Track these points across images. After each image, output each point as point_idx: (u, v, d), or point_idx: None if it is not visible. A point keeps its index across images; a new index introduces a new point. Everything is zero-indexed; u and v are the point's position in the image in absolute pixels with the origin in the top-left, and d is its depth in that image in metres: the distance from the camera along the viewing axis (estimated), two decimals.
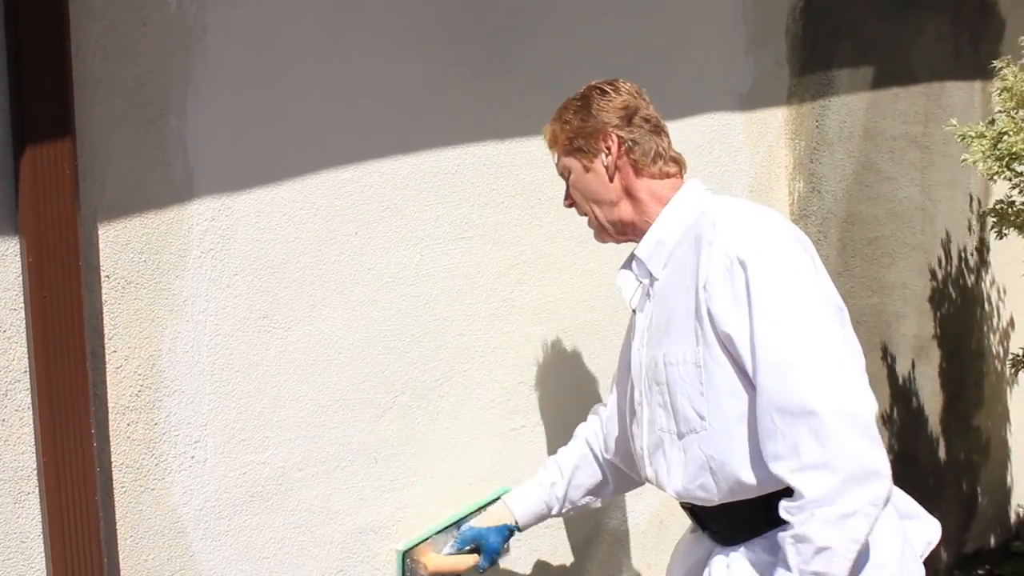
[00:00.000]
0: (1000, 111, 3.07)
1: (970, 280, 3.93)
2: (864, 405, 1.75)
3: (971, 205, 3.88)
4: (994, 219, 3.22)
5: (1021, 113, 3.02)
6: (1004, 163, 2.99)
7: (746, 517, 1.93)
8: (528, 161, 2.58)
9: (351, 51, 2.28)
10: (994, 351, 4.09)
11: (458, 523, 2.37)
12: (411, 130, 2.39)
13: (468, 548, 2.33)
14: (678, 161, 2.08)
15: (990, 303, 4.01)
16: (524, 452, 2.62)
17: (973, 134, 3.06)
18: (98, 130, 1.97)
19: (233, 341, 2.16)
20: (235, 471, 2.18)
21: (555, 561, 2.70)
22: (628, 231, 2.07)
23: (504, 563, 2.55)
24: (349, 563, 2.36)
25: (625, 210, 2.04)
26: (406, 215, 2.39)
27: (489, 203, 2.53)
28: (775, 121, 3.13)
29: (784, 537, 1.78)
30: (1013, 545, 4.22)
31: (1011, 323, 4.12)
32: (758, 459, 1.85)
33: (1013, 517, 4.27)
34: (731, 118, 2.96)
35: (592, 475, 2.32)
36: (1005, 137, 2.96)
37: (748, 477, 1.88)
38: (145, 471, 2.07)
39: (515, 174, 2.56)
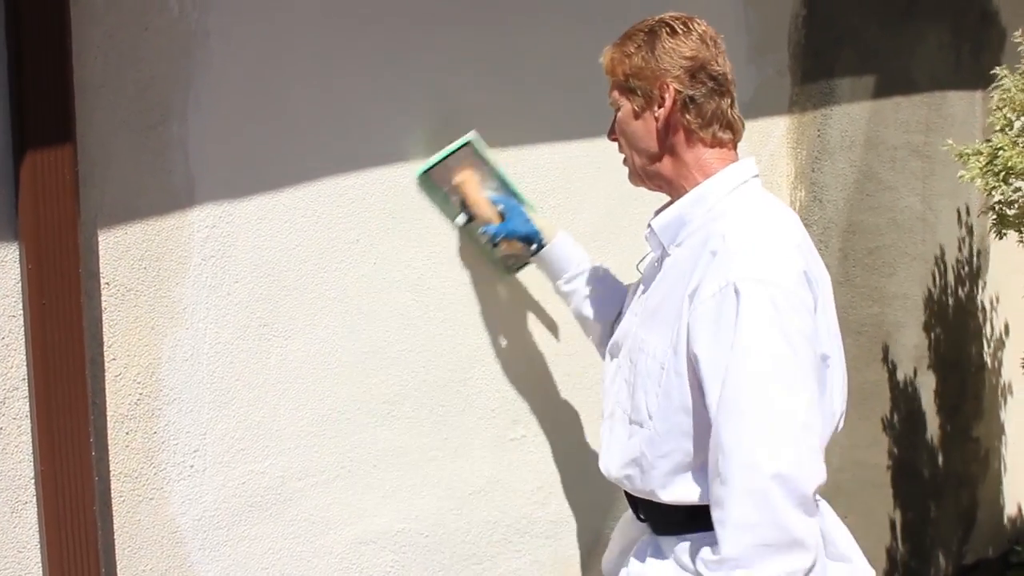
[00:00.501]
0: (996, 130, 3.06)
1: (970, 291, 3.92)
2: (806, 475, 1.65)
3: (971, 216, 3.88)
4: (994, 219, 3.21)
5: (1016, 129, 3.01)
6: (1001, 178, 2.99)
7: (668, 517, 1.89)
8: (531, 168, 2.57)
9: (353, 57, 2.27)
10: (993, 362, 4.08)
11: (501, 178, 2.39)
12: (414, 135, 2.37)
13: (501, 207, 2.34)
14: (733, 128, 1.91)
15: (989, 314, 4.00)
16: (526, 462, 2.61)
17: (970, 152, 3.06)
18: (99, 135, 1.95)
19: (233, 349, 2.14)
20: (234, 480, 2.16)
21: (555, 570, 2.68)
22: (663, 186, 1.94)
23: (506, 571, 2.54)
24: (348, 574, 2.34)
25: (666, 167, 1.91)
26: (408, 222, 2.37)
27: None
28: (777, 130, 3.12)
29: None
30: (1013, 554, 4.21)
31: (1006, 331, 4.11)
32: (683, 480, 1.81)
33: (1010, 527, 4.27)
34: None
35: (598, 307, 2.31)
36: (1001, 152, 2.95)
37: (666, 493, 1.84)
38: (144, 480, 2.05)
39: (518, 180, 2.54)
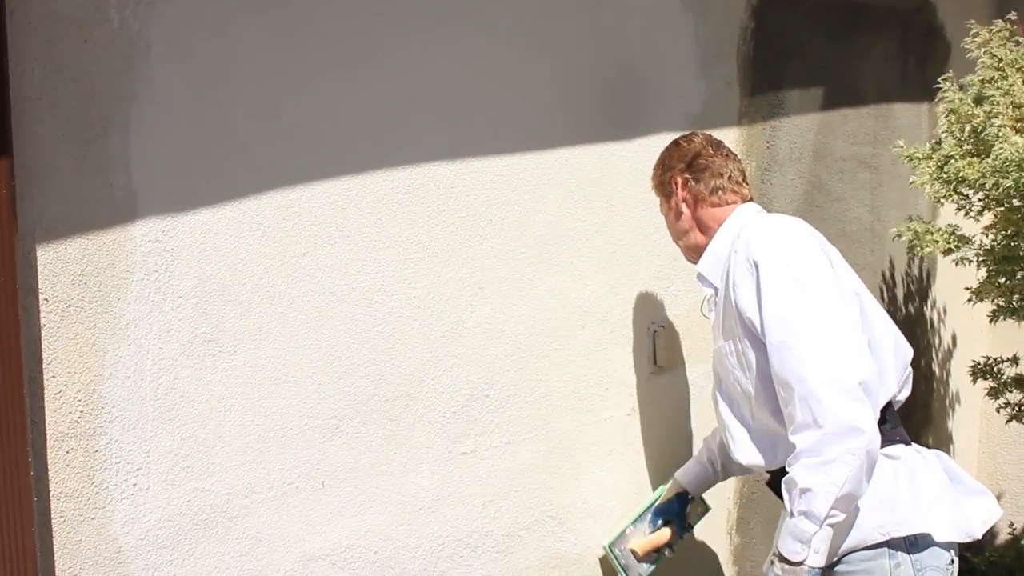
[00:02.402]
0: (946, 133, 3.09)
1: (918, 301, 3.96)
2: (848, 372, 2.12)
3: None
4: (910, 237, 3.19)
5: (965, 134, 3.04)
6: (951, 187, 3.01)
7: None
8: (478, 182, 2.56)
9: (299, 70, 2.25)
10: (942, 372, 4.13)
11: (646, 510, 2.81)
12: (360, 150, 2.35)
13: (661, 523, 2.78)
14: (739, 192, 2.50)
15: (937, 324, 4.05)
16: (476, 475, 2.59)
17: (920, 155, 3.08)
18: (37, 149, 1.91)
19: (177, 365, 2.11)
20: (179, 499, 2.13)
21: None
22: (702, 250, 2.50)
23: None
24: None
25: (697, 236, 2.51)
26: (355, 236, 2.36)
27: (439, 224, 2.50)
28: (726, 141, 3.12)
29: (782, 483, 2.18)
30: (963, 561, 4.25)
31: (954, 342, 4.16)
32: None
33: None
34: None
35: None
36: (951, 161, 2.97)
37: (783, 439, 2.24)
38: (85, 500, 2.01)
39: (465, 195, 2.54)
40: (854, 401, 2.11)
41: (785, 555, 2.18)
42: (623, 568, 2.75)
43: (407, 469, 2.47)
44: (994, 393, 3.48)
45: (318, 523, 2.33)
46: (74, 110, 1.95)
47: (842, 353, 2.15)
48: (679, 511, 2.78)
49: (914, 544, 2.25)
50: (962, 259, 3.19)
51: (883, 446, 2.23)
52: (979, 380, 3.55)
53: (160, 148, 2.06)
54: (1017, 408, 3.46)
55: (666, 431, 2.99)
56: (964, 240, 3.12)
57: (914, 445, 2.39)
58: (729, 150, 2.57)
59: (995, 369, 3.50)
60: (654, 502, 2.82)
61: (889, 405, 2.36)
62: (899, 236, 3.19)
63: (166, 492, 2.11)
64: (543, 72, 2.67)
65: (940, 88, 3.07)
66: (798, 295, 2.20)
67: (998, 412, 3.55)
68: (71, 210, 1.96)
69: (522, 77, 2.63)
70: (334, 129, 2.31)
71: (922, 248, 3.13)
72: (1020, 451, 4.32)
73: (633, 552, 2.76)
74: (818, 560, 2.15)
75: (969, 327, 4.14)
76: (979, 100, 2.96)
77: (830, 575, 2.29)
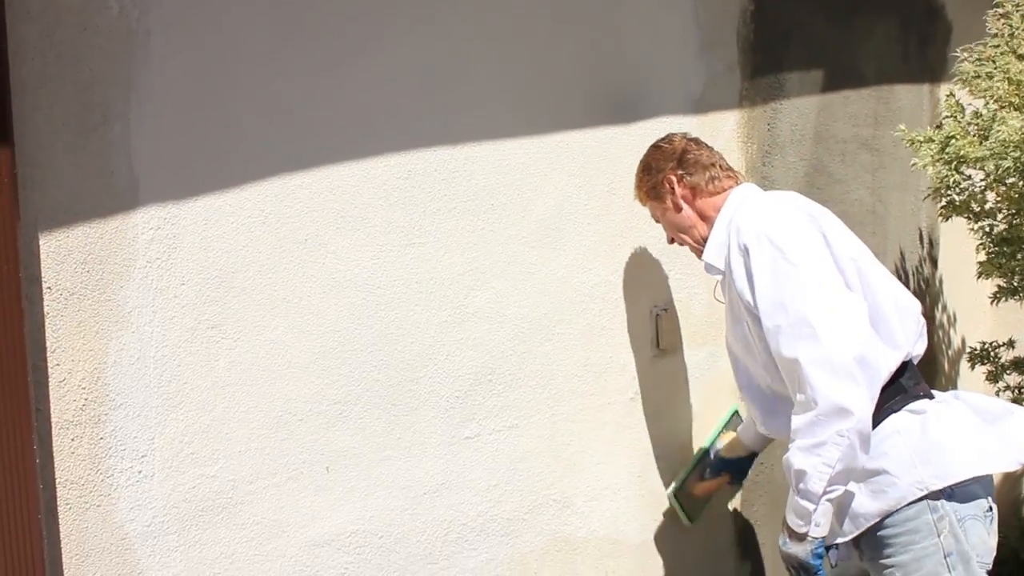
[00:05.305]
0: (947, 116, 3.09)
1: (920, 281, 3.96)
2: (840, 350, 2.16)
3: (921, 207, 3.91)
4: (942, 204, 3.23)
5: (967, 115, 3.04)
6: (952, 167, 3.01)
7: None
8: (479, 166, 2.56)
9: (299, 56, 2.25)
10: (946, 350, 4.13)
11: (706, 453, 2.92)
12: (360, 136, 2.35)
13: (723, 472, 2.86)
14: (732, 176, 2.56)
15: (939, 304, 4.04)
16: (480, 460, 2.60)
17: (921, 139, 3.08)
18: (38, 137, 1.92)
19: (181, 352, 2.12)
20: (184, 485, 2.14)
21: (511, 568, 2.68)
22: (707, 238, 2.52)
23: (463, 571, 2.53)
24: None
25: (702, 228, 2.54)
26: (357, 222, 2.36)
27: (441, 209, 2.50)
28: (727, 125, 3.13)
29: (783, 462, 2.26)
30: None
31: (955, 320, 4.16)
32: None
33: None
34: (684, 122, 2.95)
35: None
36: (953, 141, 2.97)
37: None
38: (91, 487, 2.02)
39: (467, 179, 2.53)
40: (844, 381, 2.16)
41: (791, 527, 2.29)
42: (683, 509, 2.90)
43: (411, 454, 2.48)
44: (992, 377, 3.48)
45: (323, 508, 2.34)
46: (74, 98, 1.96)
47: (834, 331, 2.18)
48: (744, 467, 2.89)
49: (952, 495, 2.28)
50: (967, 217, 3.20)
51: (907, 403, 2.34)
52: (977, 365, 3.55)
53: (161, 136, 2.06)
54: (1017, 391, 3.46)
55: (669, 413, 2.99)
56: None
57: (937, 395, 2.42)
58: (707, 144, 2.64)
59: (992, 354, 3.50)
60: (710, 446, 2.93)
61: (907, 362, 2.39)
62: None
63: (171, 479, 2.12)
64: (543, 57, 2.67)
65: (944, 68, 3.06)
66: (788, 277, 2.25)
67: (998, 395, 3.55)
68: (73, 198, 1.97)
69: (522, 62, 2.62)
70: (334, 115, 2.31)
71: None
72: None
73: (694, 498, 2.91)
74: (820, 531, 2.26)
75: (972, 309, 4.13)
76: (982, 76, 2.96)
77: (873, 540, 2.33)
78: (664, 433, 2.97)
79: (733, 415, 2.98)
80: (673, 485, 2.90)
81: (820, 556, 2.28)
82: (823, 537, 2.27)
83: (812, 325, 2.19)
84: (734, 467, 2.87)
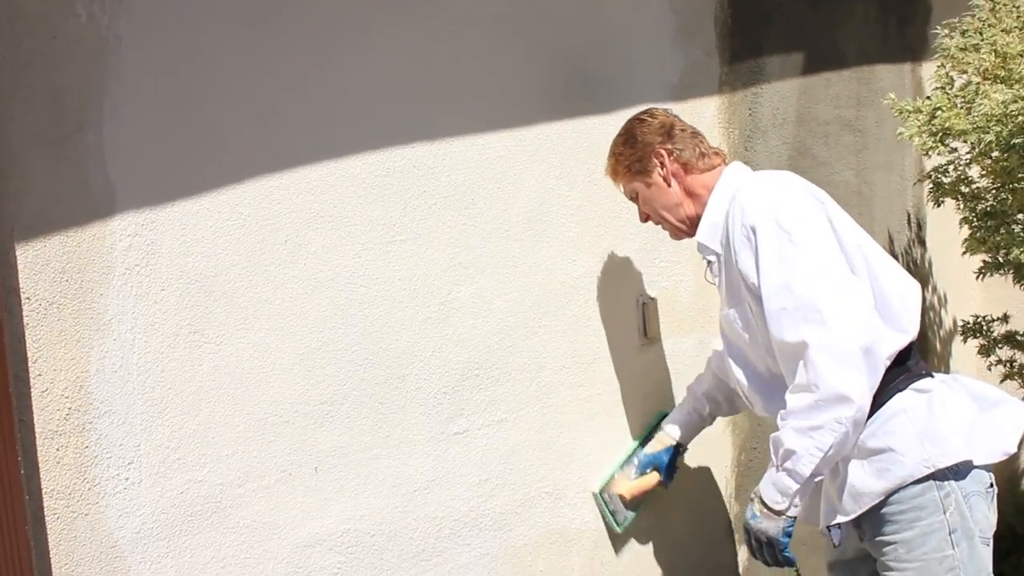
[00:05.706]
0: (936, 87, 3.09)
1: (909, 261, 3.96)
2: (846, 338, 2.14)
3: (907, 187, 3.91)
4: (931, 187, 3.25)
5: (956, 87, 3.04)
6: (938, 138, 3.02)
7: None
8: (459, 161, 2.55)
9: (273, 56, 2.24)
10: (937, 330, 4.13)
11: (633, 454, 2.86)
12: (337, 134, 2.35)
13: (649, 470, 2.81)
14: (719, 153, 2.52)
15: (928, 284, 4.05)
16: (470, 455, 2.60)
17: (910, 108, 3.08)
18: (11, 147, 1.91)
19: (164, 358, 2.11)
20: (172, 491, 2.13)
21: (505, 562, 2.68)
22: (695, 220, 2.48)
23: (456, 566, 2.53)
24: None
25: (689, 207, 2.48)
26: (337, 221, 2.35)
27: (421, 205, 2.49)
28: (708, 111, 3.13)
29: (770, 438, 2.25)
30: None
31: (944, 301, 4.16)
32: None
33: None
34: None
35: (719, 402, 2.79)
36: (939, 112, 2.98)
37: None
38: (78, 496, 2.02)
39: (446, 174, 2.53)
40: (848, 370, 2.14)
41: (767, 502, 2.27)
42: (611, 513, 2.82)
43: (400, 451, 2.48)
44: (984, 351, 3.49)
45: (313, 509, 2.34)
46: (47, 107, 1.95)
47: (842, 319, 2.16)
48: (669, 461, 2.81)
49: (957, 472, 2.28)
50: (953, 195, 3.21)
51: (912, 382, 2.33)
52: (969, 339, 3.56)
53: (136, 141, 2.06)
54: (1009, 365, 3.47)
55: (658, 401, 2.99)
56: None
57: (936, 375, 2.42)
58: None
59: (984, 328, 3.50)
60: (637, 447, 2.88)
61: (911, 343, 2.38)
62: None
63: (159, 485, 2.11)
64: (518, 49, 2.66)
65: (928, 43, 3.07)
66: (796, 260, 2.22)
67: (989, 370, 3.56)
68: (49, 207, 1.96)
69: (497, 55, 2.62)
70: (310, 114, 2.30)
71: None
72: None
73: (621, 497, 2.83)
74: (796, 511, 2.27)
75: (961, 286, 4.14)
76: (968, 48, 2.97)
77: (876, 518, 2.32)
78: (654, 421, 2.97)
79: (661, 419, 2.90)
80: (598, 484, 2.83)
81: (789, 535, 2.28)
82: (795, 517, 2.27)
83: (820, 310, 2.16)
84: (659, 461, 2.81)
